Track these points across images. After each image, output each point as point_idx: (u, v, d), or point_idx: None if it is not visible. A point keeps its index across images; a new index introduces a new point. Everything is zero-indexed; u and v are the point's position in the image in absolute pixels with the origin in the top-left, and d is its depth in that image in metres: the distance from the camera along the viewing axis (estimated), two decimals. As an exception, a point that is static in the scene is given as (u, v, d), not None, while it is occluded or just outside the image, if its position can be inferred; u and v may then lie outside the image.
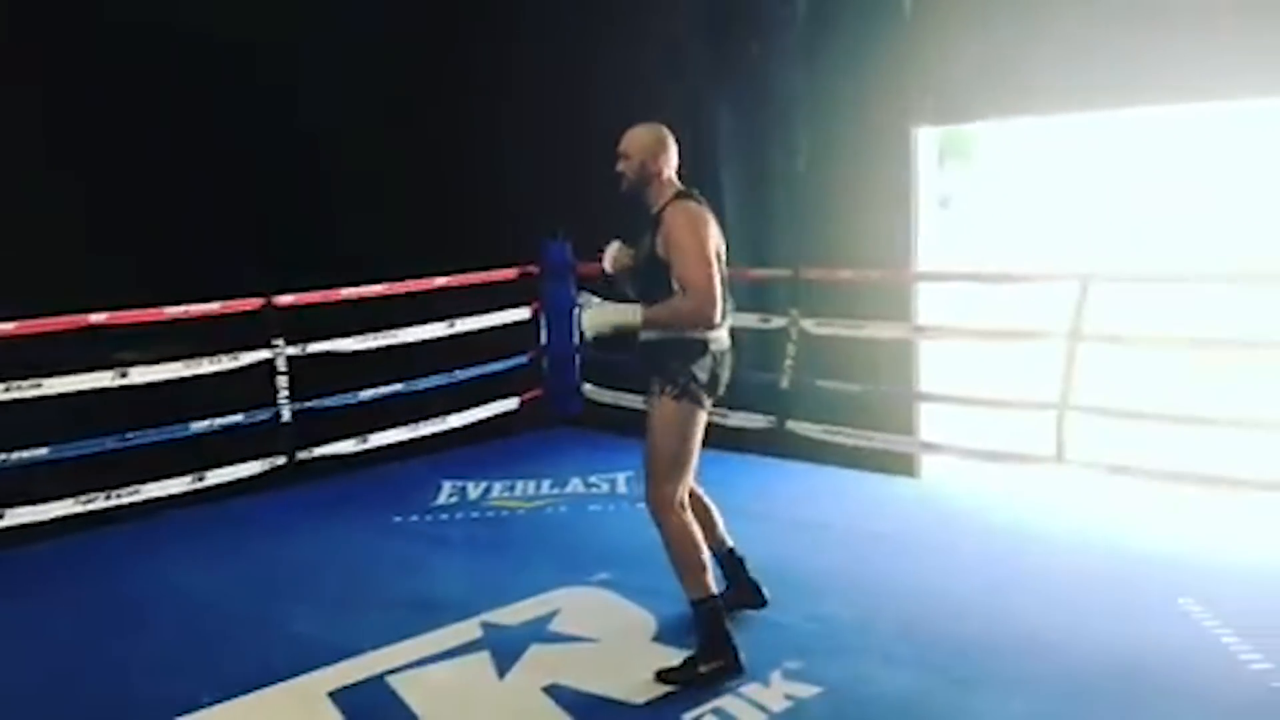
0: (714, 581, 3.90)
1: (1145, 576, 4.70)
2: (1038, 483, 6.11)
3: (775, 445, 6.68)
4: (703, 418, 3.91)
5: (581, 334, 3.90)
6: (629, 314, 3.80)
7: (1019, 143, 9.54)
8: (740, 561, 4.35)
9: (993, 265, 8.64)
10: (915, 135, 6.72)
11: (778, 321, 6.61)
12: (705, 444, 6.86)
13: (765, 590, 4.35)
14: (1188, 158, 9.01)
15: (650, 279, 3.87)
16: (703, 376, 3.85)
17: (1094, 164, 9.97)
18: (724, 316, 3.90)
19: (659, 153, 3.94)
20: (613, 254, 4.15)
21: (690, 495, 4.15)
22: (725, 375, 3.95)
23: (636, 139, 3.96)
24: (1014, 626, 4.22)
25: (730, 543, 4.34)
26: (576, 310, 3.90)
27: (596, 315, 3.83)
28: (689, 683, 3.75)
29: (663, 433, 3.87)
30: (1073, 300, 5.61)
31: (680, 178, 4.00)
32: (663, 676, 3.80)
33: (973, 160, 10.17)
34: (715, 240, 3.88)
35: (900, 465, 6.60)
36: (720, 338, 3.91)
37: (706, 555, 3.90)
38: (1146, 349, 5.72)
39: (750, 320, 6.78)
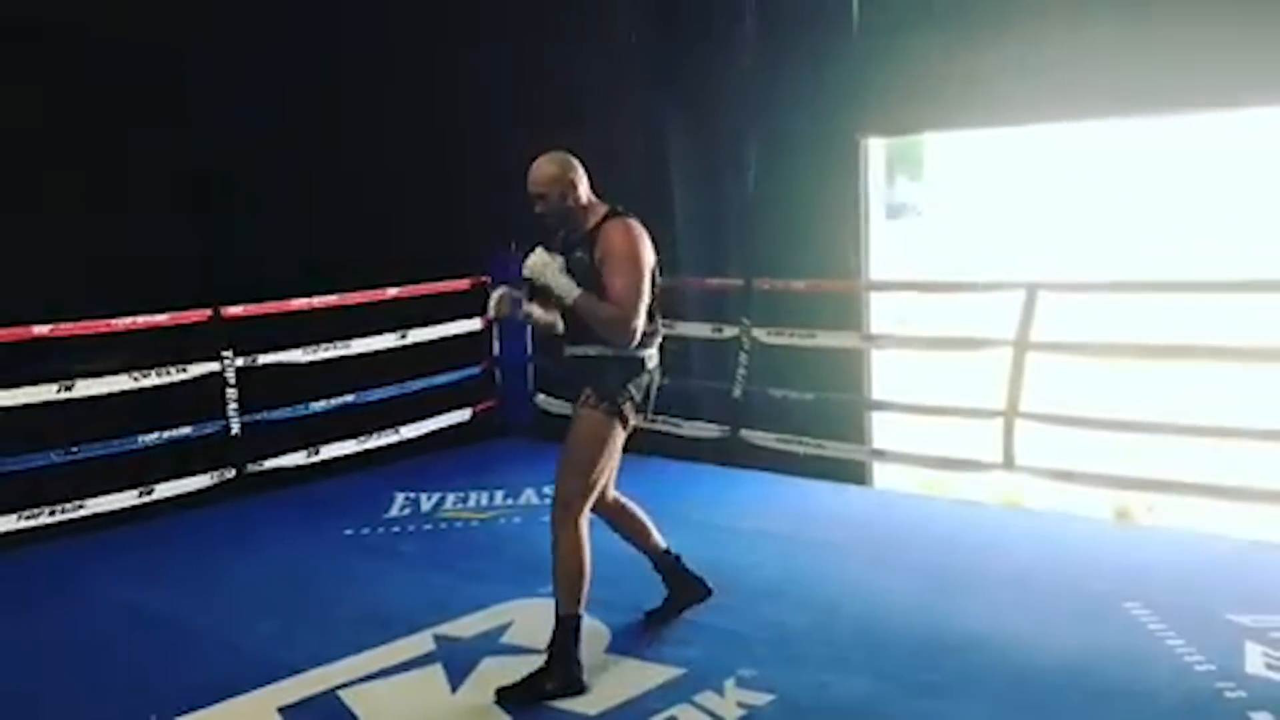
0: (585, 602, 3.85)
1: (1093, 580, 4.76)
2: (987, 489, 6.20)
3: (728, 454, 6.72)
4: (623, 435, 3.92)
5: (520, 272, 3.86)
6: (565, 285, 3.75)
7: (968, 154, 9.67)
8: (677, 559, 4.40)
9: (941, 275, 8.74)
10: (864, 146, 6.80)
11: (730, 331, 6.65)
12: (658, 453, 6.94)
13: (708, 581, 4.42)
14: (1140, 167, 9.18)
15: (593, 292, 3.82)
16: (637, 395, 3.87)
17: (1044, 174, 10.12)
18: (655, 334, 3.92)
19: (572, 179, 3.87)
20: (495, 303, 4.04)
21: (614, 504, 4.22)
22: (655, 391, 3.98)
23: (545, 174, 3.86)
24: (966, 632, 4.26)
25: (664, 544, 4.38)
26: (521, 265, 3.80)
27: (541, 263, 3.78)
28: (534, 698, 3.72)
29: (586, 444, 3.86)
30: (1019, 309, 5.70)
31: (605, 192, 4.00)
32: (504, 694, 3.75)
33: (923, 172, 10.29)
34: (650, 259, 3.86)
35: (852, 473, 6.66)
36: (654, 355, 3.95)
37: (587, 574, 3.84)
38: (1093, 357, 5.80)
39: (703, 330, 6.83)
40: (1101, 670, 3.90)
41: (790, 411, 6.56)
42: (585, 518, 3.87)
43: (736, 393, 6.64)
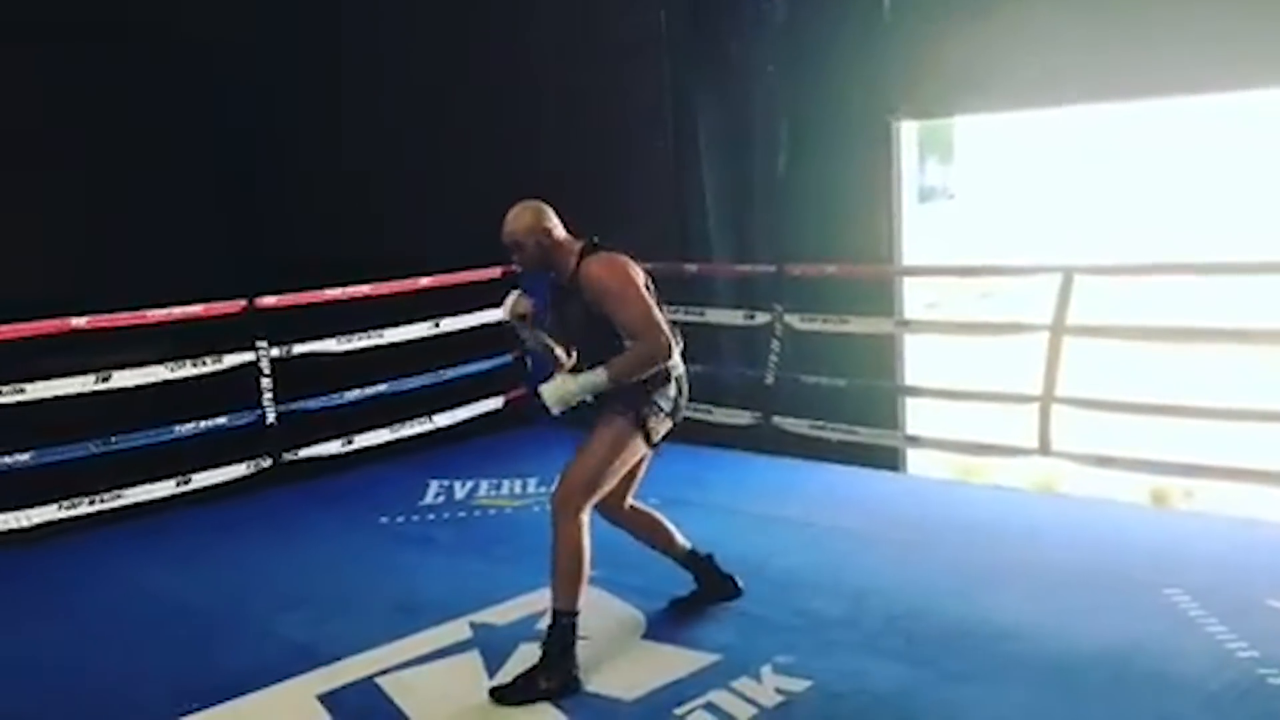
0: (582, 598, 3.82)
1: (1132, 567, 4.71)
2: (1022, 475, 6.15)
3: (760, 440, 6.70)
4: (644, 448, 3.94)
5: (543, 407, 3.86)
6: (594, 381, 3.77)
7: (999, 137, 9.57)
8: (709, 559, 4.39)
9: (973, 259, 8.65)
10: (896, 130, 6.75)
11: (762, 318, 6.63)
12: (689, 440, 6.93)
13: (739, 581, 4.41)
14: (1172, 149, 9.06)
15: (596, 339, 3.85)
16: (666, 405, 3.89)
17: (1076, 157, 10.01)
18: (678, 343, 3.91)
19: (546, 226, 3.89)
20: (512, 303, 4.08)
21: (631, 513, 4.23)
22: (684, 400, 4.01)
23: (522, 224, 3.89)
24: (1002, 618, 4.23)
25: (689, 545, 4.36)
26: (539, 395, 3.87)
27: (560, 390, 3.80)
28: (528, 697, 3.69)
29: (604, 448, 3.85)
30: (1055, 293, 5.64)
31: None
32: (498, 693, 3.73)
33: (953, 155, 10.21)
34: (640, 277, 3.89)
35: (885, 459, 6.63)
36: (678, 363, 3.95)
37: (586, 571, 3.81)
38: (1129, 340, 5.73)
39: (734, 317, 6.81)
40: (1141, 657, 3.86)
41: (822, 397, 6.54)
42: (587, 515, 3.84)
43: (769, 379, 6.62)
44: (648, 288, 3.89)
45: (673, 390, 3.92)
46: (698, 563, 4.38)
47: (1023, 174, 10.76)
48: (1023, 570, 4.76)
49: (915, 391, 6.68)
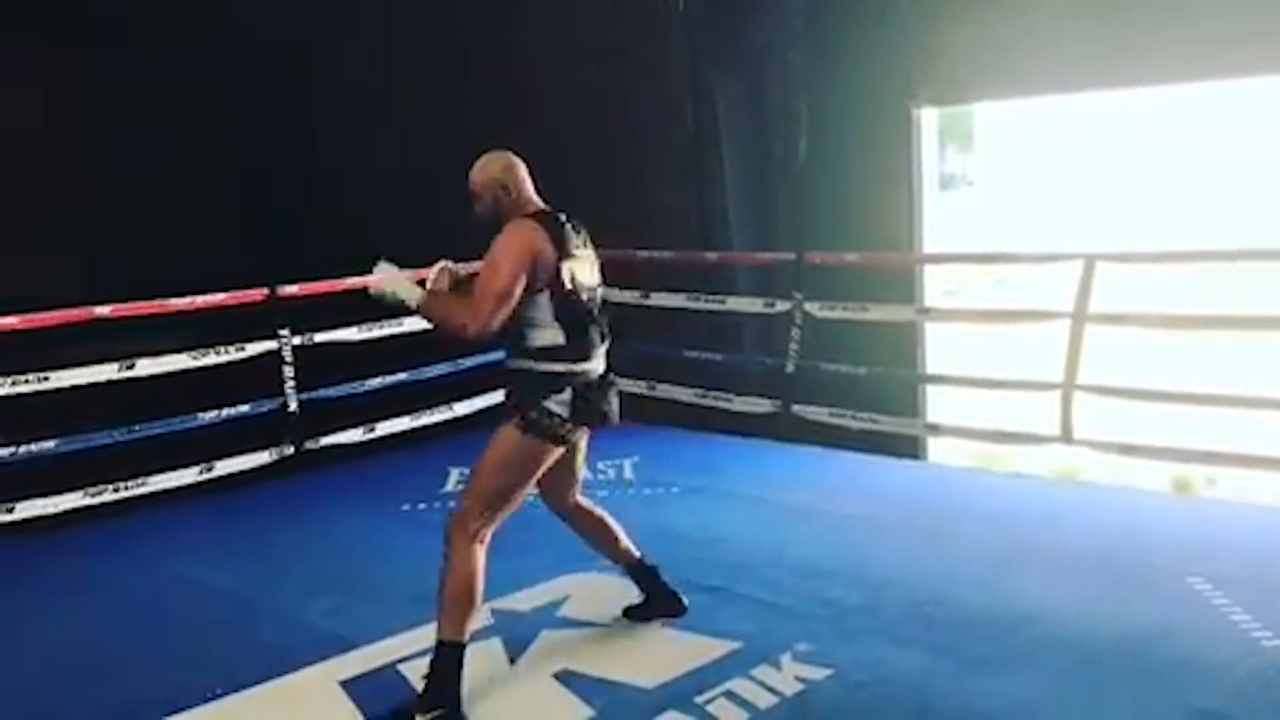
0: (470, 630, 3.59)
1: (1154, 555, 4.70)
2: (1043, 464, 6.12)
3: (780, 429, 6.69)
4: (551, 454, 3.66)
5: (364, 288, 3.72)
6: (412, 293, 3.62)
7: (1018, 124, 9.53)
8: (654, 570, 4.16)
9: (994, 247, 8.61)
10: (917, 116, 6.72)
11: (782, 305, 6.61)
12: (709, 428, 6.94)
13: (684, 598, 4.16)
14: (1194, 136, 9.00)
15: None
16: (560, 410, 3.59)
17: (1095, 144, 9.96)
18: (597, 344, 3.69)
19: (506, 180, 3.68)
20: (382, 276, 3.75)
21: (576, 509, 4.04)
22: (606, 405, 3.73)
23: (483, 173, 3.70)
24: (1023, 606, 4.22)
25: (638, 553, 4.13)
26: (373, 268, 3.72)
27: (385, 278, 3.66)
28: None
29: (497, 462, 3.61)
30: (1077, 281, 5.61)
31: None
32: None
33: (973, 142, 10.17)
34: (547, 254, 3.52)
35: (905, 447, 6.61)
36: (587, 369, 3.66)
37: (477, 603, 3.56)
38: (1152, 328, 5.70)
39: (754, 305, 6.80)
40: (1165, 646, 3.85)
41: (842, 385, 6.52)
42: (483, 542, 3.58)
43: (789, 367, 6.61)
44: (571, 279, 3.57)
45: (568, 396, 3.59)
46: (644, 572, 4.14)
47: (1042, 161, 10.72)
48: (1044, 558, 4.75)
49: (936, 379, 6.66)
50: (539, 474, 3.70)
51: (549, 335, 3.60)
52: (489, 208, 3.69)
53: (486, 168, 3.72)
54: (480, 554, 3.58)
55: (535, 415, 3.58)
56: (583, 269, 3.66)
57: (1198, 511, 5.67)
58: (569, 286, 3.58)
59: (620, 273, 7.11)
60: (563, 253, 3.57)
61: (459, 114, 7.90)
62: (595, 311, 3.72)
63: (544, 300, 3.57)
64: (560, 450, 3.70)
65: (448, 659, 3.54)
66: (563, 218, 3.65)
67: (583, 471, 4.03)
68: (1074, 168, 10.59)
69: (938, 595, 4.37)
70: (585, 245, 3.72)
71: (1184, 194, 9.57)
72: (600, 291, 3.78)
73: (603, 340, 3.74)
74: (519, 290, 3.50)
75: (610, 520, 4.10)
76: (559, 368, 3.62)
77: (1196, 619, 4.06)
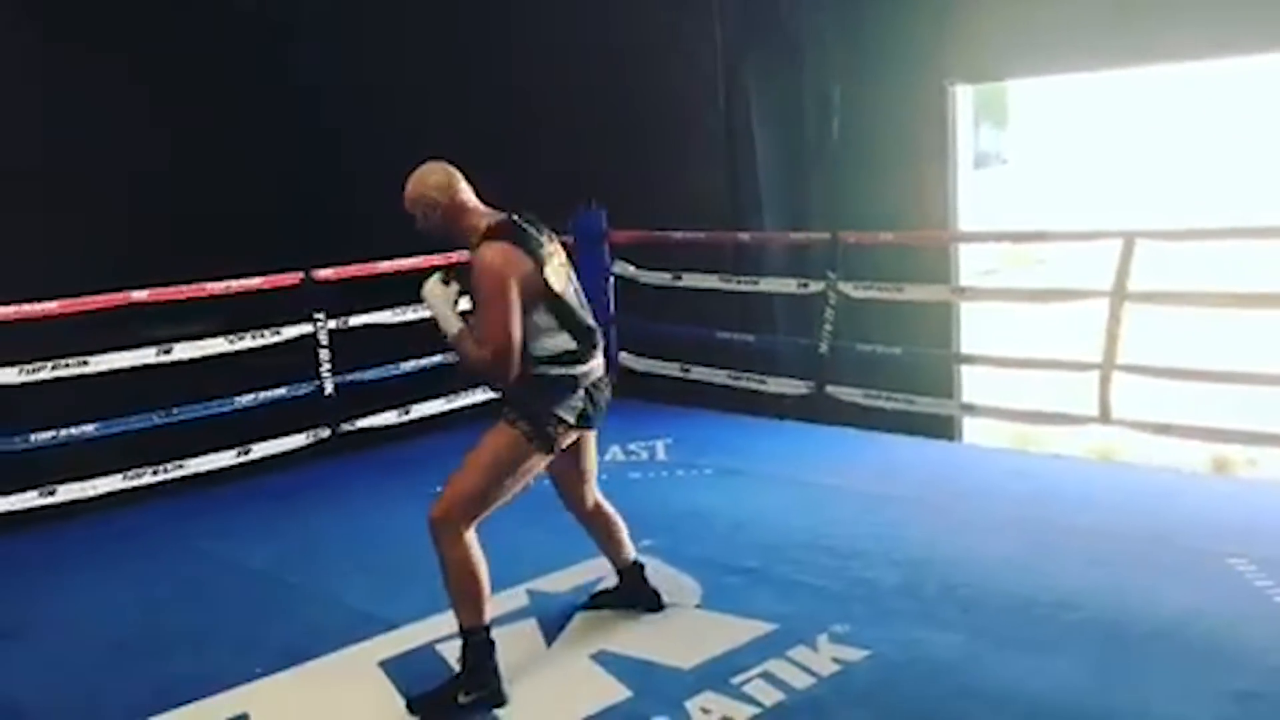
0: (489, 611, 3.57)
1: (1194, 537, 4.65)
2: (1080, 444, 6.06)
3: (815, 410, 6.67)
4: (542, 464, 3.62)
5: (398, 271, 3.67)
6: (451, 323, 3.53)
7: (1053, 100, 9.41)
8: (640, 569, 4.11)
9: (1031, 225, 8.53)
10: (952, 94, 6.65)
11: (815, 286, 6.57)
12: (742, 411, 6.92)
13: (664, 597, 4.12)
14: (1231, 112, 8.86)
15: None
16: (570, 417, 3.56)
17: (1131, 120, 9.83)
18: (588, 346, 3.59)
19: (430, 196, 3.53)
20: (428, 289, 3.58)
21: (594, 506, 3.97)
22: (604, 401, 3.67)
23: (409, 191, 3.57)
24: (1061, 587, 4.19)
25: (632, 555, 4.08)
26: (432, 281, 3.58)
27: (438, 294, 3.53)
28: (444, 711, 3.52)
29: (489, 462, 3.53)
30: (1117, 259, 5.54)
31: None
32: (415, 705, 3.56)
33: (1007, 120, 10.06)
34: (527, 271, 3.42)
35: (941, 428, 6.58)
36: (591, 369, 3.61)
37: (485, 585, 3.54)
38: (1192, 307, 5.62)
39: (788, 285, 6.76)
40: (1205, 627, 3.81)
41: (877, 366, 6.49)
42: (468, 530, 3.53)
43: (823, 348, 6.57)
44: (545, 282, 3.46)
45: (577, 400, 3.56)
46: (633, 574, 4.11)
47: (1077, 138, 10.59)
48: (1082, 539, 4.71)
49: (972, 359, 6.61)
50: (527, 483, 3.63)
51: (559, 341, 3.53)
52: (433, 221, 3.57)
53: (421, 181, 3.57)
54: (469, 538, 3.54)
55: (544, 424, 3.52)
56: (555, 270, 3.53)
57: (1238, 492, 5.61)
58: (557, 290, 3.51)
59: (653, 254, 7.12)
60: (538, 261, 3.47)
61: (492, 99, 7.92)
62: (583, 306, 3.66)
63: (541, 309, 3.50)
64: (549, 458, 3.62)
65: (476, 645, 3.56)
66: (522, 223, 3.53)
67: (594, 468, 3.94)
68: (1110, 145, 10.45)
69: (975, 577, 4.34)
70: (551, 240, 3.59)
71: (1224, 171, 9.42)
72: (575, 284, 3.67)
73: (594, 339, 3.64)
74: (518, 320, 3.42)
75: (617, 520, 4.04)
76: (576, 370, 3.56)
77: (1237, 601, 4.01)
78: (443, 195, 3.55)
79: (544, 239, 3.56)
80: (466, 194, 3.59)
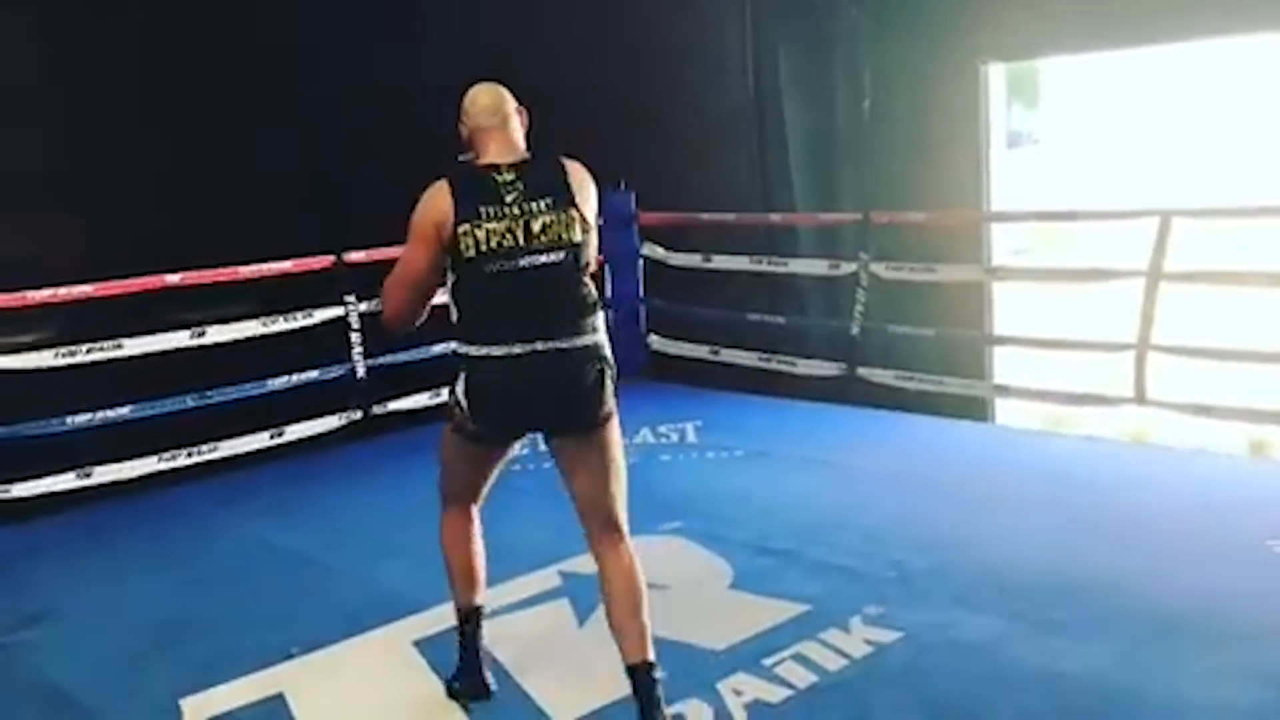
0: (468, 598, 3.45)
1: (1231, 519, 4.59)
2: (1114, 426, 6.01)
3: (846, 392, 6.64)
4: (472, 448, 3.29)
5: None
6: None
7: (1086, 79, 9.30)
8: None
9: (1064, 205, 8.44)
10: (984, 73, 6.58)
11: (847, 267, 6.54)
12: (772, 393, 6.90)
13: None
14: (1265, 89, 8.72)
15: None
16: (458, 401, 3.13)
17: (1167, 98, 9.69)
18: (520, 325, 3.02)
19: (465, 121, 3.22)
20: None
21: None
22: (527, 409, 3.13)
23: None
24: (1095, 570, 4.16)
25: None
26: None
27: None
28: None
29: (440, 442, 3.39)
30: (1152, 238, 5.48)
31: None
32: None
33: (1039, 99, 9.94)
34: (448, 224, 2.99)
35: (973, 410, 6.54)
36: (490, 353, 3.04)
37: (458, 570, 3.44)
38: (1230, 286, 5.55)
39: (819, 267, 6.73)
40: (1242, 611, 3.77)
41: (909, 348, 6.45)
42: (456, 514, 3.44)
43: (854, 329, 6.54)
44: (461, 244, 2.98)
45: (460, 386, 3.12)
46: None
47: (1110, 118, 10.46)
48: (1117, 522, 4.67)
49: (1004, 340, 6.56)
50: (472, 468, 3.36)
51: (455, 312, 3.11)
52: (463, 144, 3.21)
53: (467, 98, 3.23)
54: (452, 523, 3.44)
55: (450, 403, 3.21)
56: (496, 232, 2.99)
57: (1275, 474, 5.54)
58: (470, 255, 2.98)
59: (682, 236, 7.10)
60: (463, 216, 2.99)
61: (516, 74, 7.88)
62: (521, 284, 3.01)
63: (454, 270, 3.04)
64: (489, 449, 3.31)
65: (459, 629, 3.48)
66: (496, 172, 3.06)
67: (590, 494, 3.31)
68: (1144, 124, 10.31)
69: (1008, 559, 4.32)
70: (531, 201, 3.02)
71: (1262, 150, 9.28)
72: (556, 257, 3.03)
73: (542, 322, 3.03)
74: (428, 268, 3.07)
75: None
76: (463, 350, 3.09)
77: (1275, 583, 3.98)
78: (464, 121, 3.21)
79: (516, 195, 3.02)
80: (484, 131, 3.15)
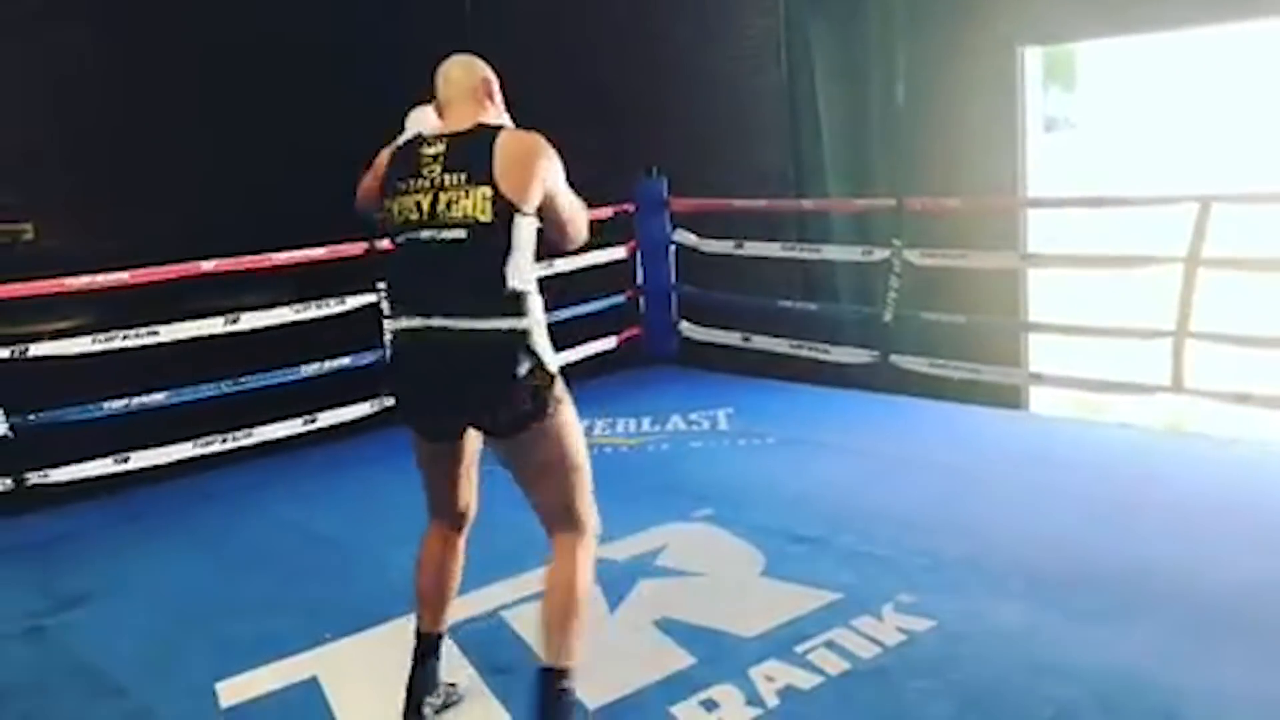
0: (421, 617, 3.33)
1: (1269, 507, 4.55)
2: (1150, 414, 5.94)
3: (879, 380, 6.61)
4: (417, 444, 3.21)
5: None
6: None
7: (1123, 63, 9.17)
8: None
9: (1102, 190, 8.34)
10: (1021, 55, 6.50)
11: (880, 254, 6.49)
12: (804, 380, 6.87)
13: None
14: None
15: None
16: (385, 379, 3.04)
17: (1207, 82, 9.55)
18: (418, 296, 2.95)
19: (438, 91, 3.16)
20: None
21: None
22: (426, 391, 3.07)
23: None
24: (1131, 559, 4.12)
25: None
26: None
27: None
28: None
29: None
30: (1191, 223, 5.41)
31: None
32: None
33: (1075, 83, 9.82)
34: (380, 177, 3.06)
35: (1007, 397, 6.48)
36: (396, 327, 3.00)
37: (418, 584, 3.33)
38: (1271, 272, 5.47)
39: (852, 253, 6.69)
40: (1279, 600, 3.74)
41: (943, 335, 6.40)
42: (431, 531, 3.34)
43: (887, 317, 6.50)
44: (388, 189, 3.00)
45: (392, 369, 3.11)
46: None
47: (1147, 102, 10.31)
48: (1153, 510, 4.62)
49: (1039, 328, 6.50)
50: (428, 469, 3.27)
51: (390, 281, 3.14)
52: None
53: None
54: (426, 540, 3.33)
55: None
56: (412, 205, 2.93)
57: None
58: (390, 223, 2.99)
59: (714, 222, 7.08)
60: (388, 189, 2.99)
61: (551, 64, 7.89)
62: (423, 256, 2.93)
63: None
64: (432, 445, 3.20)
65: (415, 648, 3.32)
66: (426, 144, 2.98)
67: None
68: (1183, 108, 10.17)
69: (1042, 547, 4.28)
70: (446, 174, 2.91)
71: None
72: (458, 234, 2.89)
73: (438, 298, 2.91)
74: (368, 186, 3.16)
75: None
76: (388, 325, 3.00)
77: (1316, 573, 3.93)
78: (437, 91, 3.13)
79: (442, 165, 2.93)
80: (445, 103, 3.11)
